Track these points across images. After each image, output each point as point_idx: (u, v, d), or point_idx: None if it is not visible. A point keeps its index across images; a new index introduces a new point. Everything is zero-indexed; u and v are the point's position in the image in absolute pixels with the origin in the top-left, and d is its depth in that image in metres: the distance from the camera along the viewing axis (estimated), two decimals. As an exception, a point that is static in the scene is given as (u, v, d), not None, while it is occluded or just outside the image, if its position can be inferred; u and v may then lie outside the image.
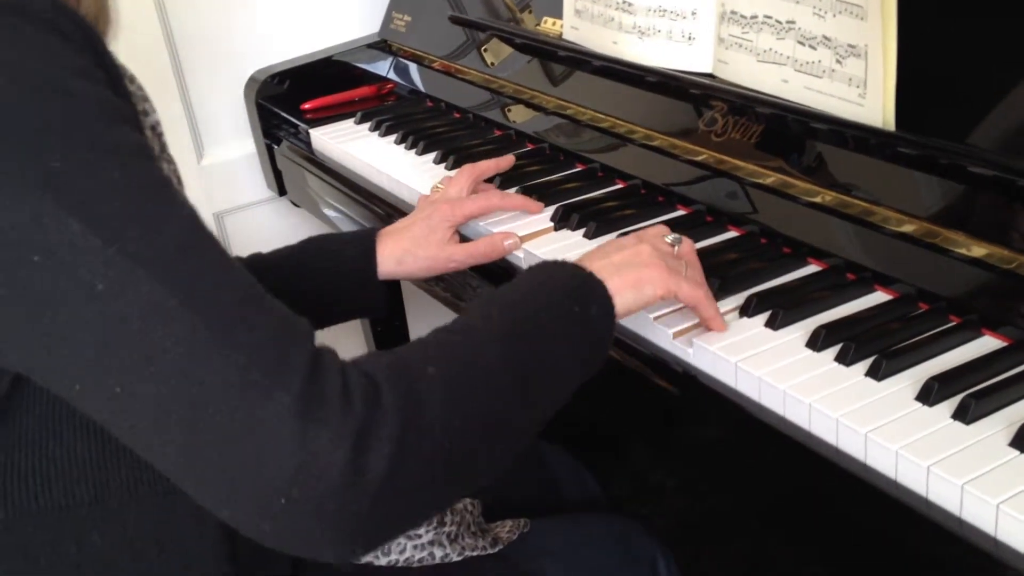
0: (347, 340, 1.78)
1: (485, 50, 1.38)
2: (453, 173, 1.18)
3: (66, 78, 0.53)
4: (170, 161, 0.69)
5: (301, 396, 0.52)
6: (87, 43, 0.56)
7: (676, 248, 0.81)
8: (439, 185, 1.07)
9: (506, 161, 1.11)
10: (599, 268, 0.74)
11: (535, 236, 1.01)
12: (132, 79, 0.66)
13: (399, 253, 0.96)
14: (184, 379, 0.51)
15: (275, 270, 0.96)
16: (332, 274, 0.96)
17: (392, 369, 0.57)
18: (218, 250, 0.56)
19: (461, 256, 0.98)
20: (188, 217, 0.55)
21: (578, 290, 0.71)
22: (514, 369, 0.63)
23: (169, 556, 0.66)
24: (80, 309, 0.51)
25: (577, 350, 0.69)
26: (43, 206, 0.50)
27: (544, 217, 1.05)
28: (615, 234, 0.98)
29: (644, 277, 0.75)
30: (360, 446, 0.52)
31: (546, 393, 0.67)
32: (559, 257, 0.93)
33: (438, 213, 0.98)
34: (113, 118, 0.55)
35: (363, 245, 0.96)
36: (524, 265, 0.99)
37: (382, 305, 0.99)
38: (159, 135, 0.67)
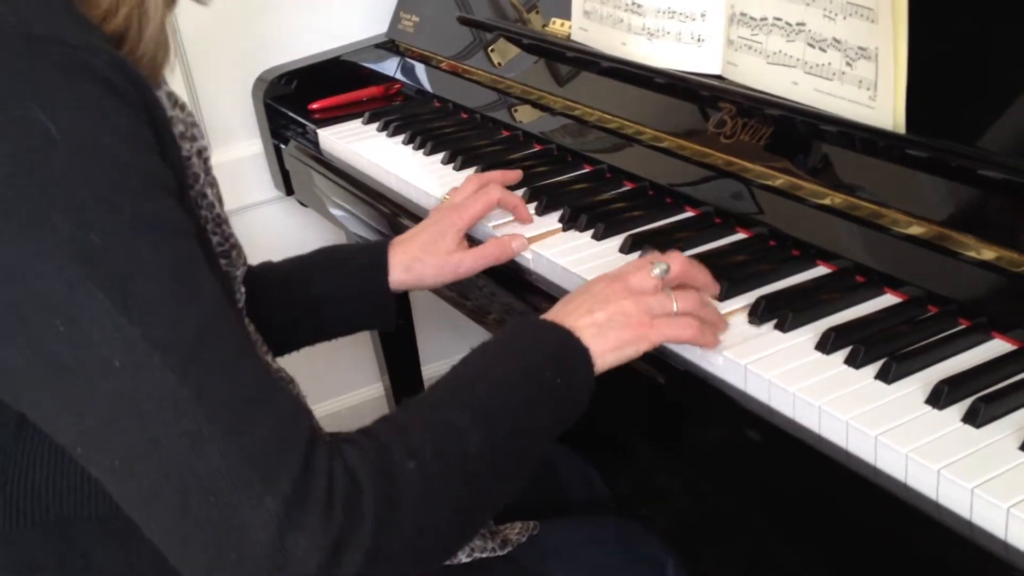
0: (355, 342, 1.78)
1: (492, 50, 1.38)
2: (460, 174, 1.18)
3: (117, 146, 0.55)
4: (213, 184, 0.71)
5: (288, 502, 0.54)
6: (139, 99, 0.58)
7: (663, 276, 0.78)
8: (447, 196, 1.07)
9: (513, 175, 1.10)
10: (583, 328, 0.74)
11: (544, 237, 1.01)
12: (182, 106, 0.70)
13: (407, 260, 0.96)
14: (180, 468, 0.53)
15: (285, 279, 0.97)
16: (342, 282, 0.96)
17: (376, 468, 0.59)
18: (236, 338, 0.58)
19: (470, 262, 0.97)
20: (212, 303, 0.57)
21: (563, 360, 0.72)
22: (493, 456, 0.65)
23: (167, 567, 0.66)
24: (94, 382, 0.53)
25: (555, 419, 0.71)
26: (78, 279, 0.52)
27: (552, 218, 1.05)
28: (623, 235, 0.98)
29: (626, 338, 0.75)
30: (335, 555, 0.55)
31: (521, 467, 0.69)
32: (568, 259, 0.95)
33: (446, 219, 0.98)
34: (156, 190, 0.57)
35: (374, 254, 0.97)
36: (533, 267, 0.99)
37: (391, 316, 0.98)
38: (205, 160, 0.69)
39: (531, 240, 1.00)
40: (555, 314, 0.76)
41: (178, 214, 0.58)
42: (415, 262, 0.96)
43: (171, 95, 0.69)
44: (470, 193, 1.02)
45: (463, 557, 0.83)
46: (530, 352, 0.72)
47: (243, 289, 0.79)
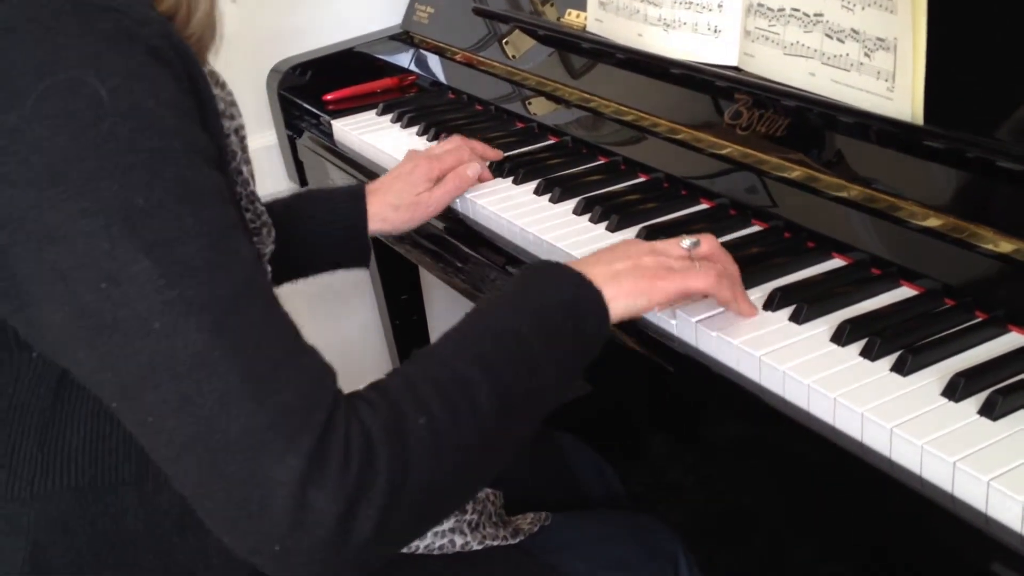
0: (369, 337, 1.79)
1: (507, 43, 1.38)
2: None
3: (163, 113, 0.56)
4: (248, 163, 0.72)
5: (309, 460, 0.56)
6: (185, 71, 0.60)
7: (692, 251, 0.79)
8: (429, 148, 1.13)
9: (493, 153, 1.16)
10: (597, 274, 0.73)
11: (557, 228, 1.01)
12: (223, 85, 0.72)
13: (384, 211, 1.03)
14: (210, 425, 0.55)
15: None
16: (323, 222, 1.01)
17: (388, 426, 0.60)
18: (268, 300, 0.59)
19: (436, 199, 1.05)
20: (248, 265, 0.59)
21: (575, 305, 0.71)
22: (502, 406, 0.65)
23: (187, 541, 0.68)
24: (132, 340, 0.55)
25: (567, 367, 0.71)
26: (121, 240, 0.54)
27: (566, 209, 1.05)
28: (638, 227, 0.98)
29: (642, 288, 0.75)
30: (351, 511, 0.57)
31: (531, 418, 0.69)
32: (581, 251, 0.94)
33: (418, 170, 1.05)
34: (197, 158, 0.58)
35: (354, 199, 1.02)
36: (533, 251, 0.99)
37: (367, 256, 1.05)
38: (242, 138, 0.71)
39: (543, 231, 1.00)
40: (572, 262, 0.76)
41: (218, 181, 0.59)
42: (391, 211, 1.03)
43: (213, 74, 0.70)
44: (448, 149, 1.09)
45: (475, 545, 0.83)
46: (540, 298, 0.71)
47: (269, 268, 0.79)
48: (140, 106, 0.56)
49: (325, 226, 1.01)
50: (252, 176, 0.74)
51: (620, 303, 0.74)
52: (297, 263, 1.02)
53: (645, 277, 0.75)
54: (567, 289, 0.72)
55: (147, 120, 0.56)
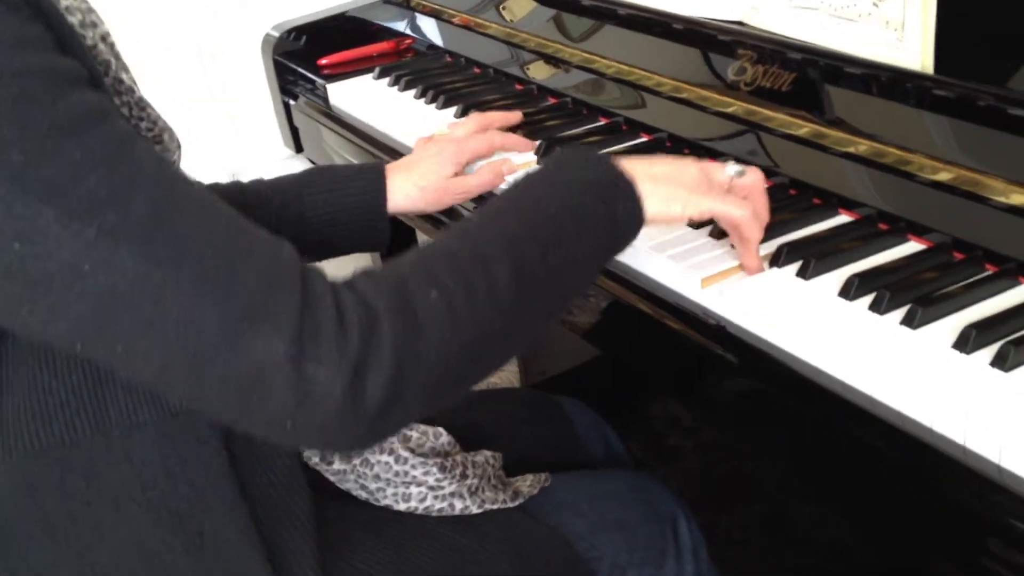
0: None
1: (503, 7, 1.36)
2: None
3: (14, 56, 0.52)
4: (126, 69, 0.67)
5: (296, 339, 0.55)
6: (32, 5, 0.55)
7: (734, 180, 0.78)
8: (445, 130, 1.07)
9: (515, 116, 1.11)
10: (636, 170, 0.72)
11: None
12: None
13: (408, 188, 0.97)
14: (182, 341, 0.54)
15: (279, 195, 0.95)
16: (339, 206, 0.95)
17: (393, 297, 0.59)
18: (194, 200, 0.56)
19: (468, 188, 0.99)
20: (157, 173, 0.55)
21: (607, 189, 0.70)
22: (523, 285, 0.63)
23: (177, 482, 0.66)
24: (71, 287, 0.52)
25: (596, 252, 0.69)
26: (13, 199, 0.51)
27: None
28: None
29: (678, 196, 0.74)
30: (356, 380, 0.56)
31: (554, 303, 0.68)
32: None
33: (446, 151, 0.99)
34: (64, 87, 0.54)
35: (372, 178, 0.96)
36: None
37: (385, 239, 0.99)
38: (111, 45, 0.66)
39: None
40: (613, 157, 0.74)
41: (93, 100, 0.55)
42: (417, 191, 0.97)
43: None
44: (471, 129, 1.03)
45: (475, 509, 0.82)
46: (573, 179, 0.70)
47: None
48: None
49: (342, 202, 0.95)
50: (134, 82, 0.68)
51: (654, 202, 0.72)
52: (311, 247, 0.97)
53: (684, 186, 0.74)
54: (601, 174, 0.71)
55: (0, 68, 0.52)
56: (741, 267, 0.80)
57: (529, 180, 0.71)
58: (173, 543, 0.66)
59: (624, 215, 0.70)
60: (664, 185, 0.73)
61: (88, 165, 0.53)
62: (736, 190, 0.79)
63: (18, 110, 0.52)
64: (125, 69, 0.67)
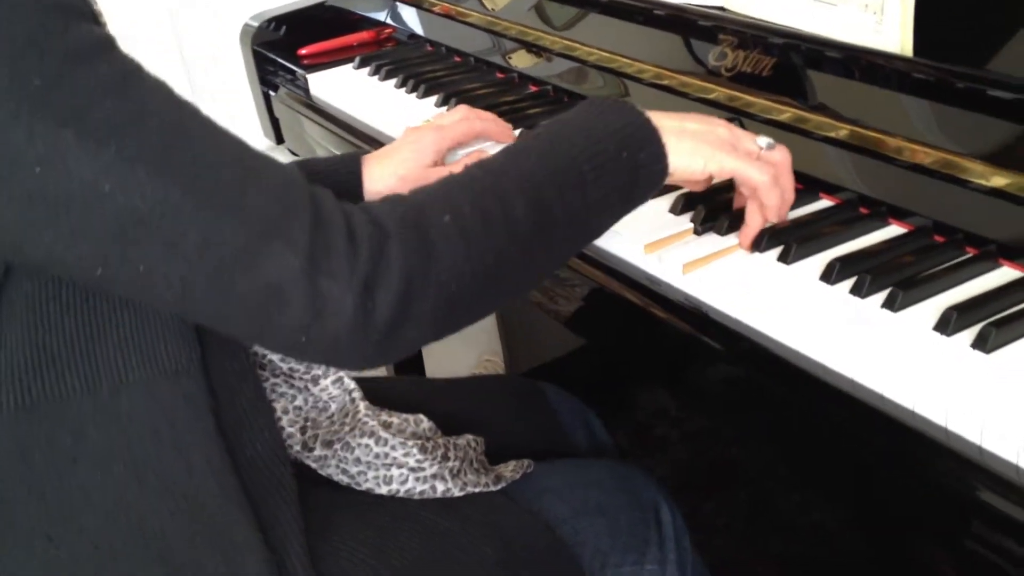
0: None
1: (486, -4, 1.35)
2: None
3: None
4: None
5: (310, 254, 0.57)
6: None
7: (763, 151, 0.78)
8: (430, 120, 1.05)
9: (507, 135, 1.04)
10: (663, 123, 0.73)
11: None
12: None
13: (387, 178, 0.96)
14: (200, 257, 0.56)
15: None
16: None
17: (405, 218, 0.61)
18: (203, 125, 0.59)
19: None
20: (166, 99, 0.58)
21: (630, 136, 0.71)
22: (540, 220, 0.65)
23: (163, 443, 0.66)
24: (93, 207, 0.55)
25: (617, 198, 0.70)
26: (34, 124, 0.53)
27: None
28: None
29: (703, 151, 0.74)
30: (367, 295, 0.58)
31: (572, 241, 0.70)
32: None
33: (426, 138, 0.98)
34: (72, 19, 0.57)
35: (348, 168, 0.96)
36: None
37: None
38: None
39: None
40: (643, 109, 0.75)
41: (100, 32, 0.58)
42: (396, 180, 0.96)
43: None
44: (457, 120, 1.01)
45: (457, 491, 0.81)
46: (598, 124, 0.70)
47: None
48: None
49: None
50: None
51: (677, 156, 0.73)
52: None
53: (710, 143, 0.75)
54: (627, 122, 0.71)
55: (8, 4, 0.54)
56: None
57: (555, 122, 0.72)
58: (159, 507, 0.66)
59: (647, 164, 0.71)
60: (690, 140, 0.74)
61: (102, 90, 0.55)
62: (763, 159, 0.78)
63: (36, 40, 0.54)
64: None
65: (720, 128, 0.77)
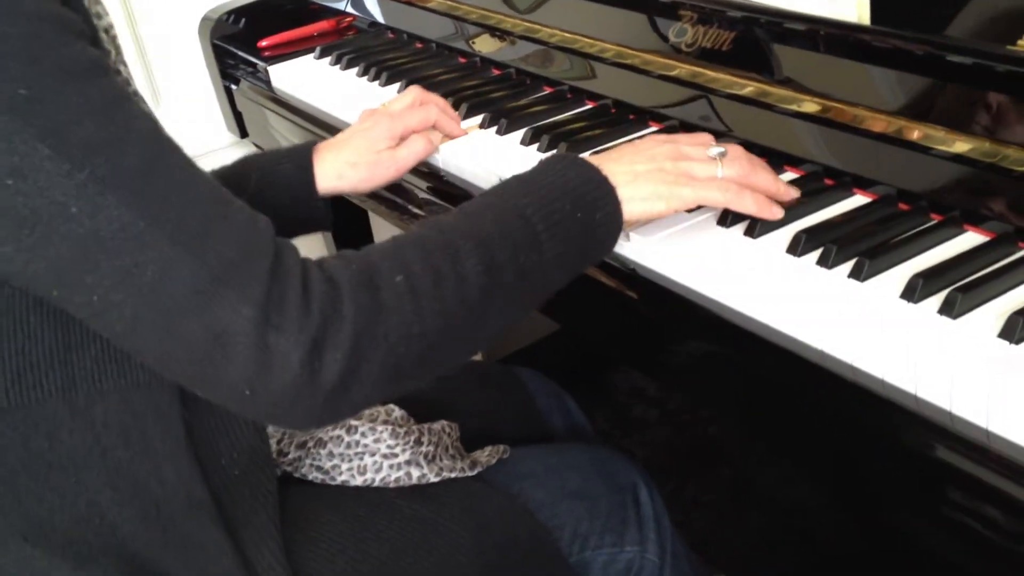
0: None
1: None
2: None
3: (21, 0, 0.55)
4: (125, 64, 0.69)
5: (263, 306, 0.57)
6: None
7: (718, 158, 0.77)
8: (384, 105, 1.03)
9: (455, 126, 1.04)
10: (616, 172, 0.73)
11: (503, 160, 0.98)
12: None
13: (340, 167, 0.95)
14: (155, 293, 0.56)
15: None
16: (269, 192, 0.93)
17: (359, 277, 0.60)
18: (180, 162, 0.59)
19: (400, 160, 0.96)
20: (149, 132, 0.58)
21: (585, 196, 0.70)
22: (491, 281, 0.64)
23: (135, 453, 0.67)
24: (56, 227, 0.54)
25: (571, 257, 0.70)
26: (14, 133, 0.53)
27: (514, 141, 1.02)
28: (587, 154, 0.95)
29: (660, 192, 0.74)
30: (315, 354, 0.57)
31: (525, 299, 0.68)
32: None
33: (380, 125, 0.96)
34: (69, 35, 0.56)
35: (299, 160, 0.95)
36: (482, 184, 0.96)
37: (324, 218, 0.97)
38: (113, 38, 0.68)
39: (490, 165, 0.97)
40: (593, 157, 0.75)
41: (95, 55, 0.58)
42: (348, 168, 0.95)
43: None
44: (409, 103, 1.00)
45: (432, 477, 0.81)
46: (551, 183, 0.70)
47: None
48: None
49: (271, 189, 0.93)
50: (131, 77, 0.70)
51: (636, 205, 0.73)
52: None
53: (665, 182, 0.74)
54: (580, 179, 0.71)
55: (6, 9, 0.54)
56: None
57: (511, 182, 0.72)
58: (130, 513, 0.67)
59: (601, 223, 0.71)
60: (646, 183, 0.74)
61: (86, 111, 0.55)
62: (723, 174, 0.77)
63: (28, 48, 0.54)
64: (123, 63, 0.69)
65: (668, 159, 0.76)
